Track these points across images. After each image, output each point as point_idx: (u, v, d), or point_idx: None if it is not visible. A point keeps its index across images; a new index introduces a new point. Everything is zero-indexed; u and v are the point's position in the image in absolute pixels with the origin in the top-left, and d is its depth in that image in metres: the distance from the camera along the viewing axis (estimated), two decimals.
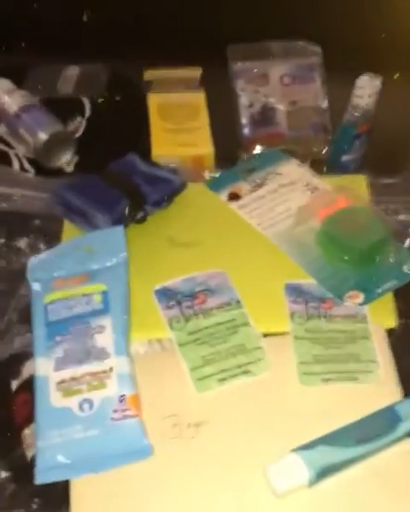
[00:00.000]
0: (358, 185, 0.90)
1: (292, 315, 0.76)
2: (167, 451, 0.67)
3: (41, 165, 0.98)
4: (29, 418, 0.71)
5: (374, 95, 0.91)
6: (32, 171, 0.98)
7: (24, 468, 0.70)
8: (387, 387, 0.71)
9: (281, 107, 1.01)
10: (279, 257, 0.82)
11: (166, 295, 0.78)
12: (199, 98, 1.02)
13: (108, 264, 0.78)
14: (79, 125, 1.03)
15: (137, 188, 0.85)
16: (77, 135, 1.02)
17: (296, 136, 1.01)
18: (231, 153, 1.00)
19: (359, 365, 0.72)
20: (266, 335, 0.76)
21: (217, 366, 0.73)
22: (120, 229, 0.80)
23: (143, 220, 0.85)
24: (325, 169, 0.98)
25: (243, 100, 1.02)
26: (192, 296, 0.78)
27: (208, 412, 0.70)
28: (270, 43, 1.04)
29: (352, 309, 0.77)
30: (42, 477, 0.66)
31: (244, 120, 1.01)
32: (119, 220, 0.82)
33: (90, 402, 0.68)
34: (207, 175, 0.96)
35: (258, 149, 1.00)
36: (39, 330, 0.73)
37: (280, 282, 0.79)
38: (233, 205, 0.89)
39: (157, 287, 0.79)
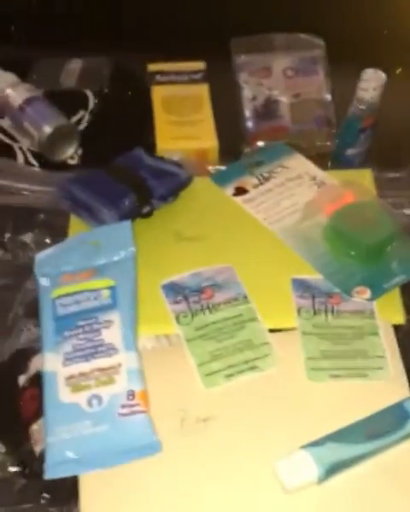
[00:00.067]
0: (364, 180, 0.90)
1: (299, 310, 0.76)
2: (175, 447, 0.67)
3: (45, 159, 0.97)
4: (37, 413, 0.71)
5: (379, 88, 0.91)
6: (36, 164, 0.97)
7: (32, 464, 0.70)
8: (396, 384, 0.71)
9: (284, 100, 1.01)
10: (286, 252, 0.82)
11: (173, 290, 0.78)
12: (203, 91, 1.02)
13: (116, 258, 0.78)
14: (82, 119, 1.03)
15: (143, 182, 0.84)
16: (80, 128, 1.01)
17: (300, 130, 1.01)
18: (234, 146, 1.00)
19: (367, 361, 0.72)
20: (272, 331, 0.75)
21: (224, 362, 0.73)
22: (127, 224, 0.80)
23: (149, 215, 0.85)
24: (329, 163, 0.98)
25: (247, 92, 1.01)
26: (199, 291, 0.78)
27: (216, 408, 0.70)
28: (273, 36, 1.04)
29: (359, 304, 0.77)
30: (51, 472, 0.66)
31: (248, 113, 1.01)
32: (125, 215, 0.82)
33: (98, 397, 0.68)
34: (210, 168, 0.95)
35: (261, 143, 0.99)
36: (47, 325, 0.73)
37: (287, 277, 0.79)
38: (239, 199, 0.89)
39: (164, 282, 0.79)
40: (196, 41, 1.06)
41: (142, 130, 1.00)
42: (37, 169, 0.96)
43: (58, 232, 0.87)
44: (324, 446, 0.65)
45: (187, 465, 0.66)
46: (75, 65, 1.10)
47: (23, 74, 1.05)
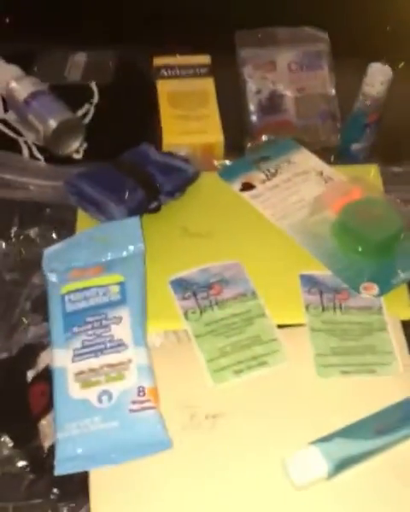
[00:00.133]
0: (370, 175, 0.90)
1: (307, 306, 0.76)
2: (185, 443, 0.67)
3: (51, 153, 0.97)
4: (46, 409, 0.72)
5: (386, 82, 0.91)
6: (41, 158, 0.97)
7: (41, 459, 0.70)
8: (404, 379, 0.71)
9: (289, 94, 1.01)
10: (294, 248, 0.82)
11: (181, 286, 0.78)
12: (208, 85, 1.01)
13: (125, 254, 0.77)
14: (87, 113, 1.02)
15: (151, 177, 0.84)
16: (86, 122, 1.01)
17: (304, 124, 1.01)
18: (239, 141, 1.00)
19: (375, 357, 0.72)
20: (281, 326, 0.76)
21: (233, 358, 0.73)
22: (136, 219, 0.79)
23: (157, 210, 0.85)
24: (332, 158, 0.98)
25: (251, 86, 1.01)
26: (207, 287, 0.78)
27: (226, 404, 0.70)
28: (278, 30, 1.04)
29: (368, 300, 0.77)
30: (61, 468, 0.66)
31: (252, 107, 1.01)
32: (133, 210, 0.82)
33: (108, 393, 0.68)
34: (216, 163, 0.95)
35: (265, 137, 0.99)
36: (56, 321, 0.73)
37: (295, 273, 0.80)
38: (246, 195, 0.89)
39: (172, 277, 0.79)
40: (201, 34, 1.05)
41: (147, 124, 1.00)
42: (42, 163, 0.96)
43: (64, 227, 0.87)
44: (333, 442, 0.65)
45: (196, 461, 0.67)
46: (80, 58, 1.09)
47: (27, 67, 1.05)
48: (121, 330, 0.72)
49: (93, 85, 1.05)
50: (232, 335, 0.74)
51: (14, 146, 0.98)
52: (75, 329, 0.72)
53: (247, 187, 0.90)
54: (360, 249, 0.80)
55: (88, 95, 1.04)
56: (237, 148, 0.99)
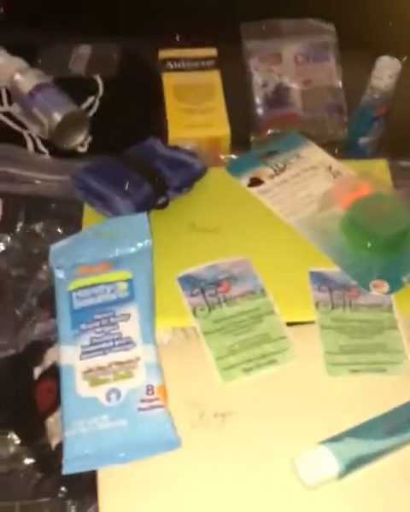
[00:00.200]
0: (379, 170, 0.89)
1: (317, 304, 0.76)
2: (194, 441, 0.67)
3: (55, 146, 0.96)
4: (53, 406, 0.71)
5: (394, 76, 0.90)
6: (46, 151, 0.96)
7: (49, 457, 0.70)
8: None
9: (295, 87, 1.00)
10: (302, 244, 0.81)
11: (189, 283, 0.77)
12: (214, 78, 1.00)
13: (133, 251, 0.77)
14: (92, 106, 1.01)
15: (158, 172, 0.84)
16: (90, 115, 1.00)
17: (311, 118, 1.00)
18: (244, 134, 0.99)
19: (386, 356, 0.72)
20: (290, 324, 0.75)
21: (242, 356, 0.72)
22: (144, 215, 0.79)
23: (164, 206, 0.84)
24: (337, 151, 0.97)
25: (257, 79, 1.00)
26: (216, 284, 0.77)
27: (235, 402, 0.69)
28: (283, 22, 1.03)
29: (378, 298, 0.76)
30: (69, 467, 0.65)
31: (258, 100, 1.00)
32: (141, 206, 0.81)
33: (117, 392, 0.67)
34: (222, 157, 0.94)
35: (271, 131, 0.98)
36: (64, 318, 0.73)
37: (304, 269, 0.79)
38: (254, 190, 0.88)
39: (180, 274, 0.78)
40: (206, 26, 1.04)
41: (152, 117, 0.99)
42: (48, 157, 0.95)
43: (70, 222, 0.87)
44: (343, 442, 0.65)
45: (205, 460, 0.66)
46: (84, 50, 1.08)
47: (31, 60, 1.04)
48: (129, 328, 0.71)
49: (97, 78, 1.04)
50: (241, 333, 0.74)
51: (18, 139, 0.98)
52: (83, 326, 0.71)
53: (255, 182, 0.89)
54: (369, 245, 0.79)
55: (92, 87, 1.03)
56: (243, 142, 0.98)
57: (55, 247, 0.78)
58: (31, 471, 0.70)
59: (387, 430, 0.65)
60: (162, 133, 0.94)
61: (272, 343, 0.73)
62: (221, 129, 0.95)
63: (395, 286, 0.77)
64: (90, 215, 0.84)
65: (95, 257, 0.76)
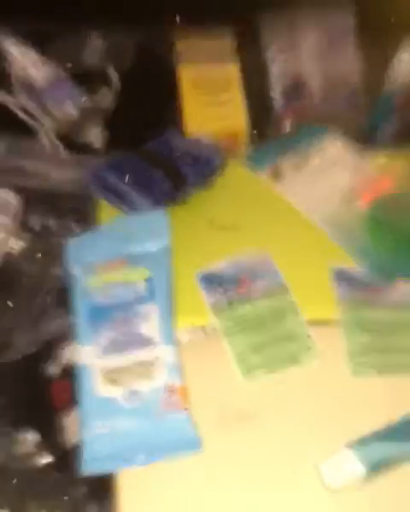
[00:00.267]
0: (402, 163, 0.87)
1: (340, 301, 0.74)
2: (215, 442, 0.65)
3: (69, 140, 0.95)
4: (69, 405, 0.70)
5: None
6: (60, 145, 0.95)
7: (66, 456, 0.69)
8: None
9: (314, 78, 0.98)
10: (324, 240, 0.80)
11: (209, 280, 0.76)
12: (232, 70, 0.98)
13: (152, 248, 0.75)
14: (106, 98, 1.00)
15: (177, 168, 0.82)
16: (104, 108, 0.98)
17: (330, 109, 0.98)
18: (262, 127, 0.97)
19: None
20: (312, 323, 0.73)
21: (264, 355, 0.71)
22: (163, 212, 0.77)
23: (183, 201, 0.82)
24: (359, 143, 0.95)
25: (275, 70, 0.98)
26: (236, 281, 0.76)
27: (257, 403, 0.68)
28: (301, 11, 1.00)
29: (402, 296, 0.75)
30: (88, 468, 0.64)
31: (276, 92, 0.98)
32: (159, 202, 0.80)
33: (137, 392, 0.66)
34: (240, 150, 0.93)
35: (289, 123, 0.96)
36: (81, 317, 0.71)
37: (326, 266, 0.77)
38: (275, 185, 0.87)
39: (200, 271, 0.76)
40: (223, 16, 1.02)
41: (168, 109, 0.97)
42: (62, 151, 0.93)
43: (84, 217, 0.85)
44: (368, 445, 0.64)
45: (227, 462, 0.65)
46: (98, 42, 1.06)
47: (44, 51, 1.02)
48: (149, 327, 0.70)
49: (111, 70, 1.02)
50: (263, 332, 0.72)
51: (32, 133, 0.96)
52: (101, 325, 0.70)
53: (275, 176, 0.87)
54: (392, 242, 0.78)
55: (106, 79, 1.01)
56: (261, 135, 0.96)
57: (71, 244, 0.77)
58: (48, 470, 0.69)
59: None
60: (178, 126, 0.92)
61: (295, 342, 0.72)
62: (239, 122, 0.93)
63: None
64: (106, 211, 0.83)
65: (113, 254, 0.75)
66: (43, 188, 0.89)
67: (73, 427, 0.69)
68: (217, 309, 0.74)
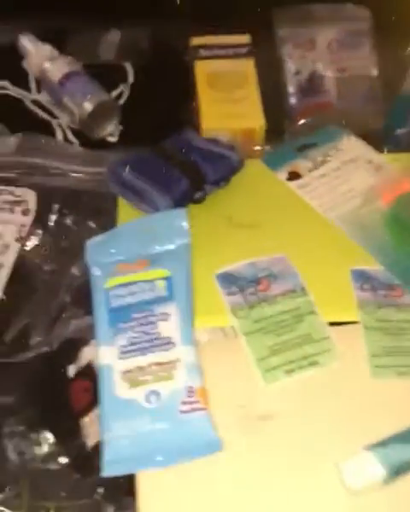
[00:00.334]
0: None
1: (360, 303, 0.74)
2: (236, 444, 0.65)
3: (85, 136, 0.94)
4: (89, 406, 0.70)
5: None
6: (76, 141, 0.94)
7: (85, 457, 0.69)
8: None
9: (330, 75, 0.98)
10: (343, 241, 0.79)
11: (228, 281, 0.75)
12: (248, 66, 0.98)
13: (171, 247, 0.75)
14: (122, 94, 0.99)
15: (195, 166, 0.82)
16: (120, 103, 0.98)
17: (346, 107, 0.97)
18: (279, 124, 0.97)
19: None
20: (332, 324, 0.73)
21: (284, 357, 0.71)
22: (182, 211, 0.77)
23: (201, 200, 0.82)
24: (377, 143, 0.94)
25: (290, 66, 0.98)
26: (255, 282, 0.75)
27: (277, 404, 0.68)
28: (317, 7, 1.00)
29: None
30: (108, 470, 0.64)
31: (292, 88, 0.98)
32: (178, 201, 0.79)
33: (157, 393, 0.66)
34: (256, 148, 0.92)
35: (305, 121, 0.96)
36: (101, 317, 0.71)
37: (345, 267, 0.77)
38: (293, 184, 0.86)
39: (219, 271, 0.76)
40: (239, 12, 1.02)
41: (184, 105, 0.98)
42: (79, 148, 0.93)
43: (103, 215, 0.85)
44: (389, 447, 0.63)
45: (247, 464, 0.65)
46: (114, 37, 1.06)
47: (60, 46, 1.01)
48: (169, 327, 0.69)
49: (127, 65, 1.02)
50: (282, 333, 0.72)
51: (47, 128, 0.95)
52: (121, 326, 0.70)
53: (293, 176, 0.87)
54: None
55: (122, 75, 1.01)
56: (277, 132, 0.96)
57: (91, 243, 0.77)
58: (67, 471, 0.69)
59: None
60: (194, 122, 0.92)
61: (315, 344, 0.71)
62: (256, 120, 0.92)
63: None
64: (125, 210, 0.82)
65: (132, 254, 0.75)
66: (62, 185, 0.88)
67: (93, 428, 0.68)
68: (236, 309, 0.73)
